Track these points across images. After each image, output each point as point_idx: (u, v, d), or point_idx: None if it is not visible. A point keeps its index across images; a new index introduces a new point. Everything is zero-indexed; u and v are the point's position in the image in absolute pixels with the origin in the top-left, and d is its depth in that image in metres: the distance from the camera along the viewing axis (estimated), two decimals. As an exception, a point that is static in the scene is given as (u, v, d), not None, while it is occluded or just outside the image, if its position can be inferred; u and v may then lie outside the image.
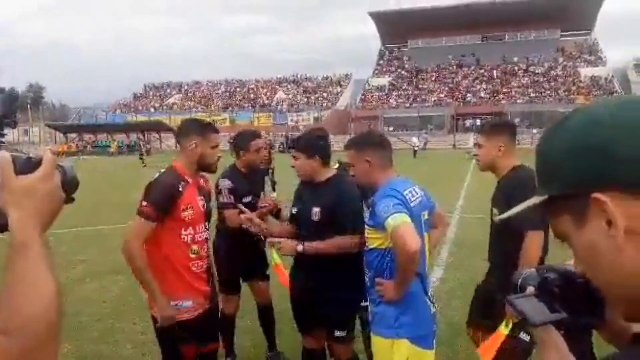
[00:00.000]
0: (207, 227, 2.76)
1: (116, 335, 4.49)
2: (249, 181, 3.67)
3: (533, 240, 2.54)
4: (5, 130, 0.98)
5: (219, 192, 3.53)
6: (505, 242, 2.66)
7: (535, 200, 0.69)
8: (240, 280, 3.89)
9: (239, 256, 3.70)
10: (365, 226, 2.49)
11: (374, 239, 2.43)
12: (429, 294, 2.50)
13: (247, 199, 3.53)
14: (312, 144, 2.95)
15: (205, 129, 2.76)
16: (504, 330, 2.46)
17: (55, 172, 0.81)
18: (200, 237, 2.67)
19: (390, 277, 2.37)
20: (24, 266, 0.73)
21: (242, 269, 3.81)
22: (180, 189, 2.57)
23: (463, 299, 4.36)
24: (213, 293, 2.83)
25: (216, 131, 2.82)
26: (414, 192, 2.43)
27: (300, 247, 2.78)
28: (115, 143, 46.54)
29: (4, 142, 0.98)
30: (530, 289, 1.02)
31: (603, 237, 0.59)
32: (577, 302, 0.90)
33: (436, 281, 5.53)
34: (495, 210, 2.72)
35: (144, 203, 2.51)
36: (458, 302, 4.68)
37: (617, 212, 0.57)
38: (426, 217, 2.50)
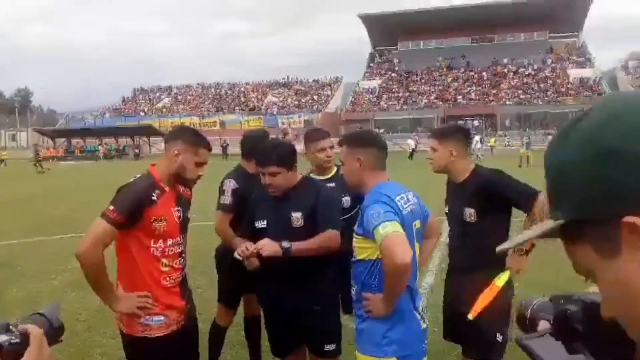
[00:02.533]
0: (183, 239, 2.53)
1: (94, 350, 4.28)
2: (257, 183, 3.43)
3: (542, 204, 2.54)
4: None
5: (221, 192, 3.34)
6: (481, 243, 2.66)
7: (548, 225, 0.57)
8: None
9: (243, 269, 3.42)
10: (354, 235, 2.29)
11: (362, 249, 2.23)
12: (420, 309, 2.31)
13: None
14: (288, 154, 2.75)
15: (197, 140, 2.50)
16: (498, 283, 2.46)
17: (43, 344, 0.81)
18: (171, 251, 2.44)
19: (379, 290, 2.18)
20: None
21: (244, 282, 3.51)
22: (154, 198, 2.34)
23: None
24: (189, 307, 2.61)
25: (208, 147, 2.55)
26: (406, 199, 2.25)
27: (286, 244, 2.54)
28: (103, 148, 46.00)
29: None
30: (544, 325, 0.84)
31: None
32: (603, 343, 0.72)
33: (427, 288, 5.37)
34: (470, 211, 2.72)
35: (111, 207, 2.28)
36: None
37: None
38: (418, 226, 2.31)
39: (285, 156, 2.73)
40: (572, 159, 0.52)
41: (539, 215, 2.59)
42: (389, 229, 1.99)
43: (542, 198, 2.58)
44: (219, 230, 3.33)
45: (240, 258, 2.67)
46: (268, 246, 2.56)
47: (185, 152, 2.44)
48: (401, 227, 2.04)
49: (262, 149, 2.91)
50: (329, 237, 2.66)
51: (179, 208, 2.48)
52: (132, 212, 2.29)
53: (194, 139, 2.50)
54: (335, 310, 2.87)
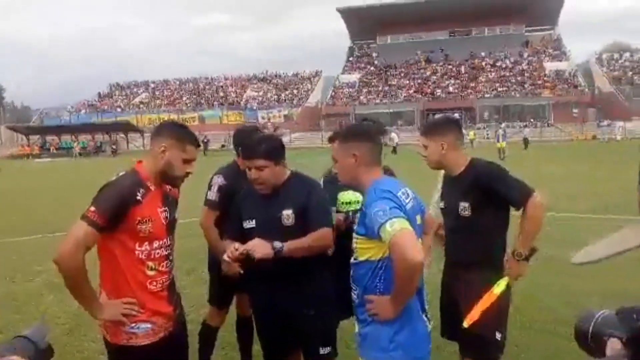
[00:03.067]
0: (170, 241, 2.36)
1: (74, 355, 4.08)
2: (246, 180, 3.27)
3: (537, 205, 2.49)
4: None
5: (209, 187, 3.22)
6: (477, 238, 2.63)
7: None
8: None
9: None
10: (354, 235, 2.15)
11: (364, 250, 2.09)
12: (426, 309, 2.19)
13: None
14: (276, 148, 2.62)
15: (185, 136, 2.32)
16: (496, 290, 2.42)
17: None
18: (158, 253, 2.26)
19: (383, 292, 2.05)
20: None
21: (237, 281, 3.46)
22: (139, 197, 2.17)
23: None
24: (177, 312, 2.44)
25: (196, 144, 2.37)
26: (406, 194, 2.13)
27: (278, 244, 2.42)
28: (77, 144, 45.06)
29: None
30: (615, 345, 0.71)
31: None
32: None
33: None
34: (464, 205, 2.63)
35: (92, 208, 2.10)
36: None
37: None
38: (419, 222, 2.20)
39: (273, 149, 2.60)
40: None
41: (534, 219, 2.52)
42: (397, 226, 1.87)
43: (538, 200, 2.52)
44: (203, 226, 3.22)
45: (229, 260, 2.52)
46: (259, 247, 2.42)
47: (172, 148, 2.27)
48: (408, 223, 1.92)
49: (249, 142, 2.79)
50: (321, 235, 2.55)
51: (166, 208, 2.31)
52: (115, 213, 2.12)
53: (181, 134, 2.33)
54: (329, 311, 2.74)
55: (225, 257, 2.52)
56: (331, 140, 2.31)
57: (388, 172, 3.13)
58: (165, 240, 2.30)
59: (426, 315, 2.17)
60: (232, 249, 2.46)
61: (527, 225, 2.54)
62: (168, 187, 2.38)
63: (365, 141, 2.19)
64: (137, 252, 2.21)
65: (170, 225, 2.35)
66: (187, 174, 2.35)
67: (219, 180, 3.23)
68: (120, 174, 2.28)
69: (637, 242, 0.51)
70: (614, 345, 0.71)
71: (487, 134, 38.96)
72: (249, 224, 2.63)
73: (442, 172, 2.92)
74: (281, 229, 2.53)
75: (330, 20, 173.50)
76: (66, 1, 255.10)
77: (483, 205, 2.60)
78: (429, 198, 10.34)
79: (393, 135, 34.41)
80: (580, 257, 0.62)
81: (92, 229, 2.08)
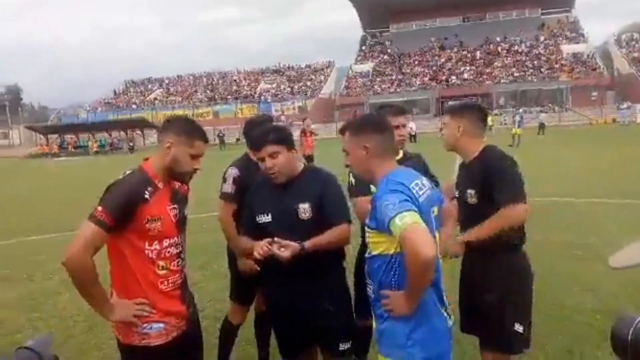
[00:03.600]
0: (181, 239, 2.31)
1: (92, 353, 4.11)
2: (258, 171, 3.18)
3: (514, 213, 2.47)
4: None
5: (224, 179, 3.18)
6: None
7: None
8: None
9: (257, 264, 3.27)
10: (366, 229, 2.09)
11: (377, 244, 2.02)
12: (445, 302, 2.11)
13: None
14: (285, 134, 2.59)
15: (192, 131, 2.27)
16: None
17: None
18: (168, 252, 2.22)
19: (398, 287, 1.99)
20: None
21: (256, 278, 3.28)
22: (147, 196, 2.13)
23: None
24: (191, 310, 2.40)
25: (204, 139, 2.31)
26: (421, 185, 2.04)
27: (308, 244, 2.38)
28: (94, 142, 45.56)
29: None
30: None
31: None
32: None
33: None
34: (471, 192, 2.61)
35: (99, 208, 2.06)
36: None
37: None
38: (436, 213, 2.12)
39: (283, 135, 2.57)
40: None
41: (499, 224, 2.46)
42: (407, 220, 1.79)
43: (519, 211, 2.48)
44: (222, 221, 3.18)
45: (260, 257, 2.45)
46: (289, 248, 2.37)
47: (179, 144, 2.22)
48: (419, 216, 1.84)
49: (257, 132, 2.75)
50: (341, 230, 2.50)
51: (175, 205, 2.27)
52: (123, 213, 2.08)
53: (188, 129, 2.28)
54: (348, 307, 2.70)
55: (255, 254, 2.45)
56: (342, 131, 2.24)
57: (413, 158, 3.07)
58: (175, 238, 2.26)
59: (446, 310, 2.10)
60: (263, 247, 2.40)
61: (493, 220, 2.49)
62: (177, 183, 2.34)
63: (377, 132, 2.11)
64: (147, 252, 2.17)
65: (180, 222, 2.30)
66: (195, 170, 2.30)
67: (233, 172, 3.19)
68: (128, 172, 2.24)
69: None
70: None
71: (505, 120, 38.39)
72: (264, 217, 2.57)
73: (458, 160, 2.86)
74: (298, 223, 2.48)
75: (342, 10, 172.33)
76: (80, 2, 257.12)
77: (488, 194, 2.54)
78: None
79: (411, 124, 34.00)
80: (620, 261, 0.52)
81: (99, 230, 2.04)
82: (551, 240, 6.37)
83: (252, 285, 3.34)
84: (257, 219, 2.58)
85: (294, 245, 2.38)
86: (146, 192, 2.14)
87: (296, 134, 3.10)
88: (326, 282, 2.55)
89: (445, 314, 2.09)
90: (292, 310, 2.60)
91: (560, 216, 8.01)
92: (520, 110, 32.44)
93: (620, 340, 0.71)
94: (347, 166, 2.32)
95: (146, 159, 2.32)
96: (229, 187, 3.16)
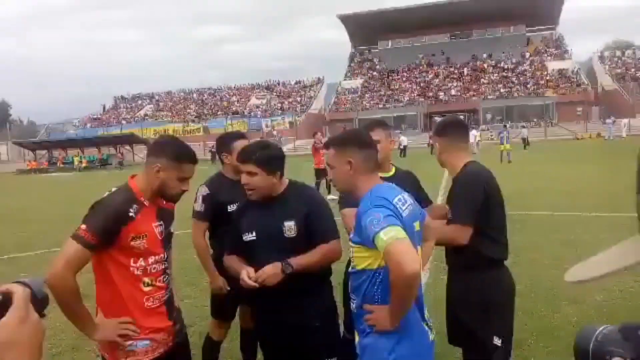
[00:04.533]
0: (166, 255, 2.32)
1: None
2: (236, 188, 3.07)
3: (457, 233, 2.54)
4: None
5: (195, 199, 3.22)
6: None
7: None
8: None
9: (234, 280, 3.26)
10: (350, 244, 2.10)
11: (361, 259, 2.04)
12: (426, 317, 2.14)
13: (232, 208, 3.05)
14: (271, 157, 2.53)
15: (182, 156, 2.27)
16: None
17: (30, 307, 0.74)
18: (154, 268, 2.23)
19: (382, 302, 2.00)
20: None
21: (239, 293, 3.39)
22: (132, 214, 2.14)
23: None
24: (178, 326, 2.41)
25: (193, 161, 2.32)
26: (403, 200, 2.07)
27: (287, 266, 2.35)
28: (83, 159, 45.22)
29: None
30: None
31: None
32: None
33: (423, 287, 5.25)
34: (449, 207, 2.66)
35: (83, 226, 2.06)
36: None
37: None
38: (418, 228, 2.14)
39: (267, 158, 2.51)
40: None
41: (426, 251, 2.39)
42: (392, 235, 1.81)
43: (456, 231, 2.55)
44: (194, 241, 3.25)
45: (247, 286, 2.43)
46: (271, 277, 2.35)
47: (168, 168, 2.22)
48: (404, 231, 1.88)
49: (246, 146, 2.76)
50: (332, 248, 2.49)
51: (161, 222, 2.28)
52: (107, 231, 2.08)
53: (178, 154, 2.28)
54: (334, 322, 2.71)
55: (242, 282, 2.43)
56: (326, 146, 2.27)
57: (404, 174, 3.10)
58: (161, 255, 2.27)
59: (427, 325, 2.13)
60: (245, 277, 2.39)
61: (430, 233, 2.42)
62: (162, 200, 2.37)
63: (361, 148, 2.14)
64: (132, 269, 2.18)
65: (166, 239, 2.32)
66: (183, 191, 2.31)
67: (202, 190, 3.24)
68: (113, 189, 2.26)
69: (638, 258, 0.45)
70: None
71: (492, 136, 38.75)
72: (249, 236, 2.56)
73: (446, 174, 2.93)
74: (283, 241, 2.47)
75: (332, 28, 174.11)
76: (70, 18, 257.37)
77: None
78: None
79: (402, 138, 34.25)
80: (575, 275, 0.55)
81: (83, 249, 2.04)
82: (539, 254, 6.45)
83: (232, 302, 3.36)
84: (243, 237, 2.57)
85: (277, 273, 2.36)
86: (131, 210, 2.15)
87: (287, 148, 3.11)
88: (313, 298, 2.55)
89: (427, 329, 2.11)
90: (279, 326, 2.59)
91: (547, 230, 8.11)
92: (507, 125, 32.60)
93: (582, 352, 0.71)
94: (330, 180, 2.35)
95: (133, 176, 2.34)
96: (198, 206, 3.21)
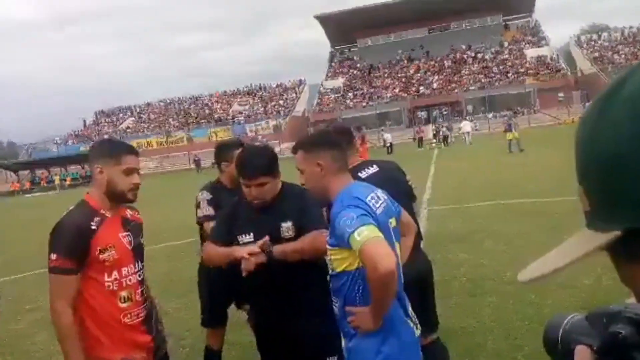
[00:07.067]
0: (141, 266, 2.27)
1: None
2: (226, 194, 3.16)
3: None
4: None
5: (197, 205, 3.20)
6: None
7: (595, 241, 0.43)
8: (228, 309, 3.50)
9: (224, 283, 3.19)
10: (327, 247, 2.06)
11: (339, 261, 2.00)
12: (410, 314, 2.10)
13: None
14: (272, 161, 2.51)
15: (116, 148, 2.24)
16: None
17: None
18: (130, 280, 2.18)
19: (363, 303, 1.97)
20: None
21: (230, 296, 3.34)
22: (94, 227, 2.09)
23: (442, 298, 4.05)
24: (158, 341, 2.35)
25: (132, 152, 2.28)
26: (377, 198, 2.04)
27: (268, 246, 2.31)
28: (60, 177, 44.79)
29: None
30: (584, 353, 0.62)
31: None
32: None
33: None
34: None
35: (53, 256, 2.02)
36: (438, 302, 4.38)
37: None
38: (394, 225, 2.11)
39: (270, 163, 2.49)
40: (626, 143, 0.37)
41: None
42: (366, 234, 1.78)
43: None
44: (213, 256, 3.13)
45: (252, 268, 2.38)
46: (252, 260, 2.30)
47: (107, 165, 2.19)
48: (378, 230, 1.84)
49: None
50: (314, 237, 2.42)
51: (128, 233, 2.23)
52: (77, 250, 2.04)
53: (111, 148, 2.26)
54: (333, 320, 2.67)
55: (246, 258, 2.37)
56: (294, 150, 2.22)
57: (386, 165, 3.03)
58: (132, 265, 2.22)
59: (412, 321, 2.09)
60: (250, 253, 2.34)
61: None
62: (129, 212, 2.31)
63: (329, 149, 2.11)
64: (107, 284, 2.13)
65: (136, 250, 2.26)
66: (135, 185, 2.25)
67: (205, 195, 3.23)
68: (70, 208, 2.22)
69: (585, 250, 0.44)
70: (582, 354, 0.61)
71: (476, 127, 39.02)
72: (247, 238, 2.51)
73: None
74: (280, 242, 2.44)
75: (309, 28, 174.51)
76: (43, 34, 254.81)
77: None
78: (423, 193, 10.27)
79: (386, 135, 34.40)
80: (527, 274, 0.52)
81: (64, 277, 2.02)
82: (526, 241, 6.44)
83: (222, 304, 3.39)
84: (239, 239, 2.53)
85: (258, 253, 2.31)
86: (92, 223, 2.11)
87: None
88: (308, 297, 2.51)
89: (412, 325, 2.08)
90: (276, 328, 2.55)
91: (542, 216, 8.11)
92: (509, 113, 32.16)
93: (550, 340, 0.71)
94: (302, 185, 2.30)
95: (88, 193, 2.29)
96: (206, 210, 3.18)
